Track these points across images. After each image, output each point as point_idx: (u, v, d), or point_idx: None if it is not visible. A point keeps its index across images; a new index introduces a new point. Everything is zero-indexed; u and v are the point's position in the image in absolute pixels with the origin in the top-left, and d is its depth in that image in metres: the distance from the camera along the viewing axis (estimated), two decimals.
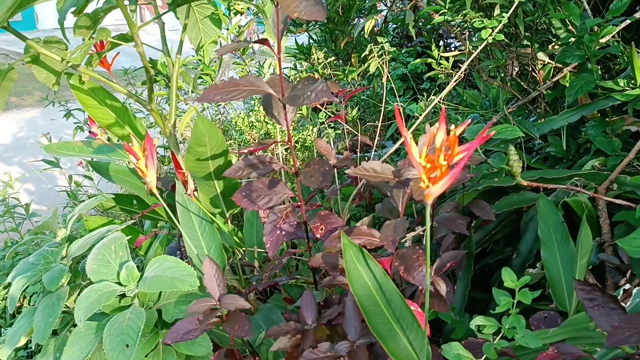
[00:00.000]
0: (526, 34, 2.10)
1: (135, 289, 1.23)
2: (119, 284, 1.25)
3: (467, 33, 2.16)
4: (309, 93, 0.96)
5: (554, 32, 2.12)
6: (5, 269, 2.42)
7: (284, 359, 1.20)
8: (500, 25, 1.74)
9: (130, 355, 1.11)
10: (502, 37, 1.75)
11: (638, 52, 1.90)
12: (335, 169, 1.56)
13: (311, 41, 3.19)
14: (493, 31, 1.75)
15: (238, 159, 1.50)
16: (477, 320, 1.08)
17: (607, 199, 1.63)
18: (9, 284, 2.43)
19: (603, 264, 1.61)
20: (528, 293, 1.05)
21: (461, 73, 1.77)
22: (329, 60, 2.61)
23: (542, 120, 2.09)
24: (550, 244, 1.56)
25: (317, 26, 3.09)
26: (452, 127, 0.67)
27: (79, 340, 1.23)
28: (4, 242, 2.70)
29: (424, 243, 1.52)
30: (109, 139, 2.05)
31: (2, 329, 2.14)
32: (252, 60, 2.43)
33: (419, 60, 2.16)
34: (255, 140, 2.28)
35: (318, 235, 1.17)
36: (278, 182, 1.19)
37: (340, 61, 3.13)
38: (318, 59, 2.61)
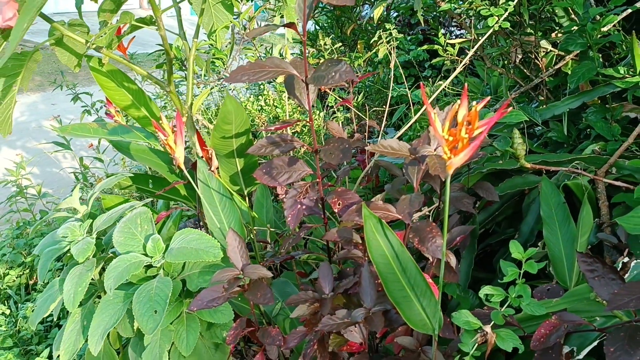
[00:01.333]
0: (530, 22, 2.16)
1: (161, 259, 1.30)
2: (145, 255, 1.32)
3: (470, 21, 2.22)
4: (333, 73, 1.02)
5: (557, 21, 2.18)
6: (20, 247, 2.48)
7: (303, 326, 1.27)
8: (507, 13, 1.80)
9: (160, 320, 1.18)
10: (507, 24, 1.81)
11: (638, 41, 1.96)
12: None
13: (317, 28, 3.24)
14: (499, 19, 1.81)
15: (254, 140, 1.56)
16: (486, 290, 1.15)
17: (607, 180, 1.70)
18: (23, 262, 2.49)
19: (601, 243, 1.68)
20: (534, 264, 1.12)
21: (468, 59, 1.83)
22: (335, 46, 2.67)
23: (544, 106, 2.16)
24: (552, 224, 1.63)
25: (323, 13, 3.15)
26: (474, 103, 0.73)
27: (107, 308, 1.30)
28: (16, 222, 2.76)
29: (440, 217, 1.59)
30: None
31: (19, 305, 2.20)
32: (261, 45, 2.49)
33: (425, 46, 2.22)
34: (264, 123, 2.34)
35: (336, 210, 1.24)
36: (297, 159, 1.26)
37: (346, 48, 3.19)
38: (325, 45, 2.67)
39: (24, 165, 2.72)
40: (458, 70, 1.82)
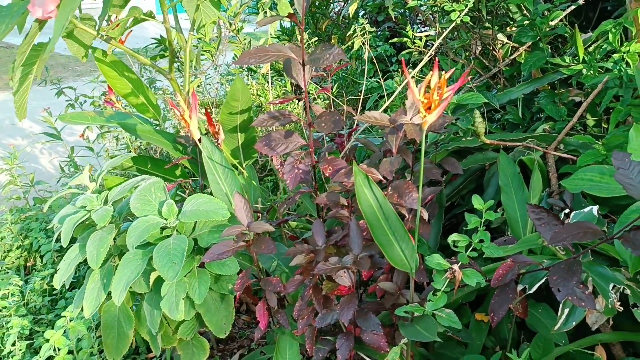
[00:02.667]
0: (488, 17, 2.42)
1: (175, 220, 1.50)
2: (161, 218, 1.51)
3: (435, 16, 2.47)
4: (328, 55, 1.23)
5: (511, 16, 2.45)
6: (18, 232, 2.63)
7: (299, 274, 1.48)
8: (467, 9, 2.05)
9: (178, 270, 1.38)
10: (468, 19, 2.06)
11: (582, 34, 2.24)
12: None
13: (292, 23, 3.44)
14: (461, 13, 2.05)
15: (255, 115, 1.77)
16: (453, 236, 1.38)
17: (556, 153, 1.96)
18: (20, 246, 2.64)
19: (552, 208, 1.94)
20: (493, 213, 1.36)
21: (434, 50, 2.07)
22: (311, 41, 2.88)
23: (502, 92, 2.42)
24: (509, 191, 1.88)
25: None
26: (443, 72, 0.96)
27: (128, 264, 1.49)
28: (9, 209, 2.90)
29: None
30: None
31: (23, 283, 2.35)
32: (245, 39, 2.68)
33: (395, 39, 2.46)
34: None
35: (327, 174, 1.46)
36: (293, 132, 1.47)
37: (321, 42, 3.40)
38: (294, 40, 2.88)
39: (17, 155, 2.86)
40: (426, 58, 2.06)
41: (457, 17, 2.05)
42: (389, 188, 1.38)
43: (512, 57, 2.45)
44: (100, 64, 1.98)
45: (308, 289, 1.45)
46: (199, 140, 1.69)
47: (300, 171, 1.42)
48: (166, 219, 1.50)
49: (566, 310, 1.49)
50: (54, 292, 2.21)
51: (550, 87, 2.35)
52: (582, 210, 1.51)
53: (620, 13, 2.67)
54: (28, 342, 1.90)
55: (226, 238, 1.43)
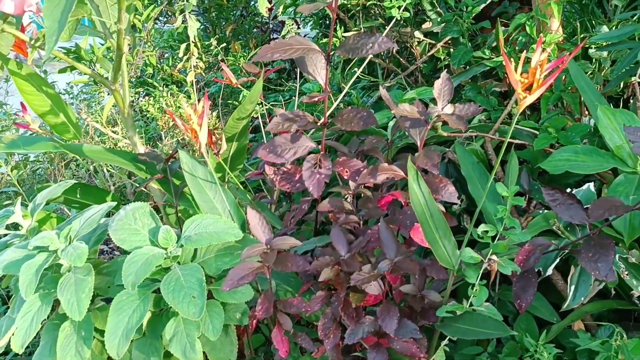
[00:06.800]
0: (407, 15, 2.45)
1: (178, 249, 1.28)
2: (158, 247, 1.29)
3: (360, 15, 2.45)
4: (371, 45, 1.13)
5: (427, 14, 2.51)
6: None
7: (306, 291, 1.36)
8: (405, 4, 2.05)
9: (202, 303, 1.17)
10: (407, 14, 2.06)
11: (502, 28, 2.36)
12: None
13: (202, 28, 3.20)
14: (400, 10, 2.05)
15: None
16: (482, 227, 1.35)
17: (506, 139, 2.02)
18: None
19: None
20: (521, 199, 1.35)
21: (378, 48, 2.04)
22: (219, 47, 2.69)
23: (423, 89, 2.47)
24: (473, 181, 1.89)
25: (195, 15, 3.14)
26: (539, 50, 0.92)
27: (123, 308, 1.24)
28: None
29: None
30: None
31: None
32: (157, 46, 2.42)
33: (325, 40, 2.39)
34: (166, 126, 2.29)
35: (345, 177, 1.34)
36: (300, 135, 1.33)
37: (222, 50, 3.20)
38: (202, 46, 2.69)
39: None
40: (368, 58, 2.02)
41: (398, 13, 2.04)
42: None
43: (430, 53, 2.51)
44: (15, 78, 1.65)
45: (335, 304, 1.33)
46: (168, 158, 1.47)
47: (323, 175, 1.30)
48: (165, 248, 1.28)
49: (572, 287, 1.53)
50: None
51: (472, 80, 2.44)
52: (581, 189, 1.57)
53: (499, 12, 2.83)
54: None
55: (247, 260, 1.25)
